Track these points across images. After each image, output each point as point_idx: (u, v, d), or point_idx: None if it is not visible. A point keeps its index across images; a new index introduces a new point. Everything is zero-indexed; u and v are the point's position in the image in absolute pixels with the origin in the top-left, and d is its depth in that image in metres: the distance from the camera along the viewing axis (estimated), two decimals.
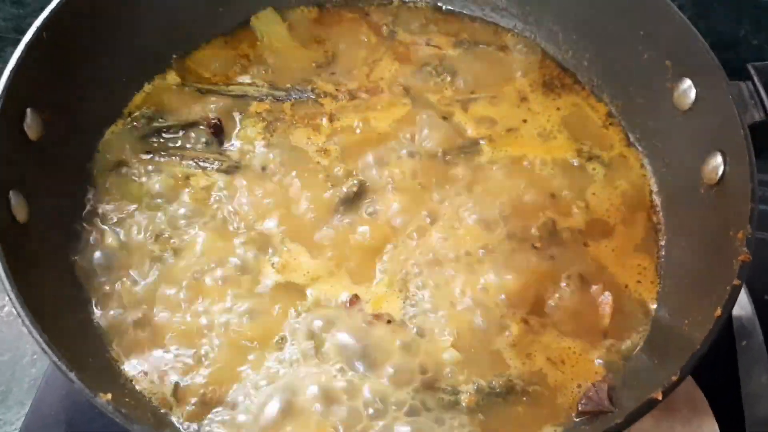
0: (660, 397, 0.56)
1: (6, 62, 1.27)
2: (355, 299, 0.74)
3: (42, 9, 1.25)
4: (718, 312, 0.61)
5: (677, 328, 0.67)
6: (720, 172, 0.72)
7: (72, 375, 0.55)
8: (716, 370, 0.88)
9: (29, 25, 1.27)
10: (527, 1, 0.94)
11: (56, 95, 0.77)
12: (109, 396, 0.55)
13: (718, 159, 0.72)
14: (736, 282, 0.62)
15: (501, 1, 0.95)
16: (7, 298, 1.02)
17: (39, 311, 0.60)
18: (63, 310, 0.69)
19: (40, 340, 0.57)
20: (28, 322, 0.58)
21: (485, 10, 0.96)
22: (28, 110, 0.72)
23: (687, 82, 0.77)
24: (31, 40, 0.73)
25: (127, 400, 0.65)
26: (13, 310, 1.00)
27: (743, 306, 0.95)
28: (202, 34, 0.92)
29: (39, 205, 0.71)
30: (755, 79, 0.73)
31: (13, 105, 0.70)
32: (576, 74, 0.91)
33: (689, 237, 0.76)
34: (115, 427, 0.83)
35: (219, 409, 0.68)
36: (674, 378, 0.57)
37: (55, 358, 0.56)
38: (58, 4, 0.76)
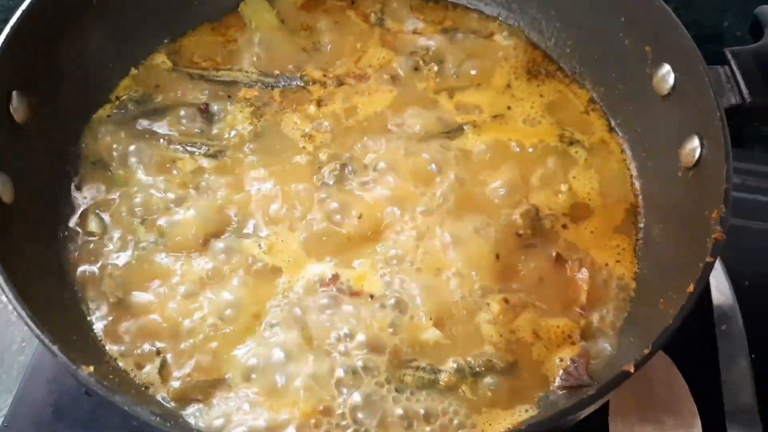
0: (632, 370, 0.57)
1: None
2: (335, 278, 0.75)
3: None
4: (691, 288, 0.62)
5: (653, 306, 0.68)
6: (697, 154, 0.73)
7: (55, 348, 0.56)
8: (697, 356, 0.90)
9: None
10: None
11: (42, 79, 0.77)
12: (92, 368, 0.56)
13: (696, 142, 0.74)
14: (709, 259, 0.63)
15: None
16: None
17: (24, 289, 0.61)
18: (48, 289, 0.70)
19: (23, 313, 0.58)
20: (11, 296, 0.58)
21: None
22: (14, 93, 0.73)
23: (666, 68, 0.79)
24: (16, 23, 0.74)
25: (111, 377, 0.66)
26: (2, 298, 1.02)
27: (723, 291, 0.96)
28: (190, 20, 0.93)
29: (25, 187, 0.72)
30: (732, 63, 0.74)
31: None
32: (559, 61, 0.93)
33: (667, 219, 0.78)
34: (102, 411, 0.86)
35: (205, 387, 0.69)
36: (646, 351, 0.58)
37: (37, 332, 0.57)
38: None
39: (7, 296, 0.59)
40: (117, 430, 0.84)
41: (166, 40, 0.91)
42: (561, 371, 0.71)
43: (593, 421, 0.83)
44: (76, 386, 0.87)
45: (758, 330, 0.92)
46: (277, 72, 0.90)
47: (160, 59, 0.90)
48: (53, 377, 0.88)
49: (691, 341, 0.92)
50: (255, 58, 0.90)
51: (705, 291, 0.94)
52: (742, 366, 0.90)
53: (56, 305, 0.70)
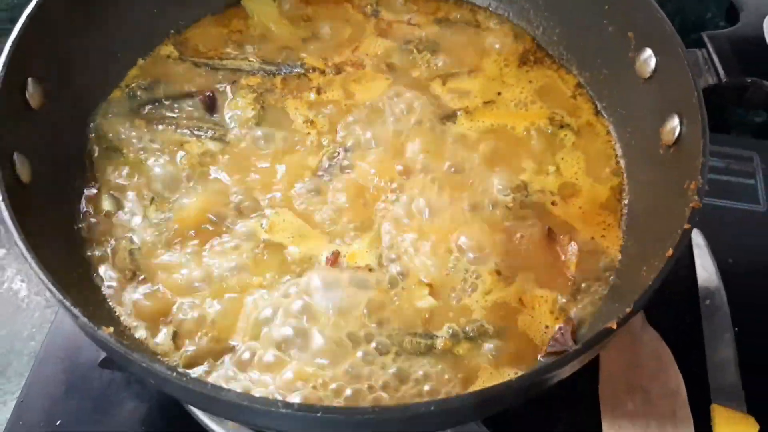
0: (615, 326, 0.61)
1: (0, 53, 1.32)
2: (335, 255, 0.79)
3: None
4: (670, 252, 0.66)
5: (636, 275, 0.72)
6: (677, 132, 0.77)
7: (76, 311, 0.60)
8: (683, 330, 0.95)
9: None
10: None
11: (55, 67, 0.81)
12: (111, 329, 0.60)
13: (676, 121, 0.78)
14: (687, 226, 0.67)
15: None
16: (6, 274, 1.08)
17: (45, 264, 0.64)
18: (65, 264, 0.74)
19: (45, 279, 0.61)
20: (36, 267, 0.62)
21: None
22: (30, 80, 0.77)
23: (648, 52, 0.83)
24: (31, 13, 0.78)
25: (127, 344, 0.70)
26: (13, 285, 1.06)
27: (707, 269, 1.01)
28: (195, 13, 0.97)
29: (41, 168, 0.76)
30: (709, 46, 0.79)
31: (16, 75, 0.75)
32: (547, 49, 0.97)
33: (649, 194, 0.82)
34: (113, 387, 0.89)
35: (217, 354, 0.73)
36: (627, 310, 0.62)
37: (59, 296, 0.60)
38: None
39: (32, 267, 0.62)
40: (127, 404, 0.89)
41: (171, 31, 0.96)
42: (549, 339, 0.75)
43: (583, 390, 0.88)
44: (89, 364, 0.91)
45: (741, 304, 0.96)
46: (278, 60, 0.94)
47: (167, 50, 0.94)
48: (66, 355, 0.92)
49: (678, 317, 0.96)
50: (257, 48, 0.94)
51: (690, 269, 0.99)
52: (726, 338, 0.94)
53: (73, 279, 0.73)
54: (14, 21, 1.33)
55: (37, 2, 0.78)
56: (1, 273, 1.08)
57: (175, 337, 0.74)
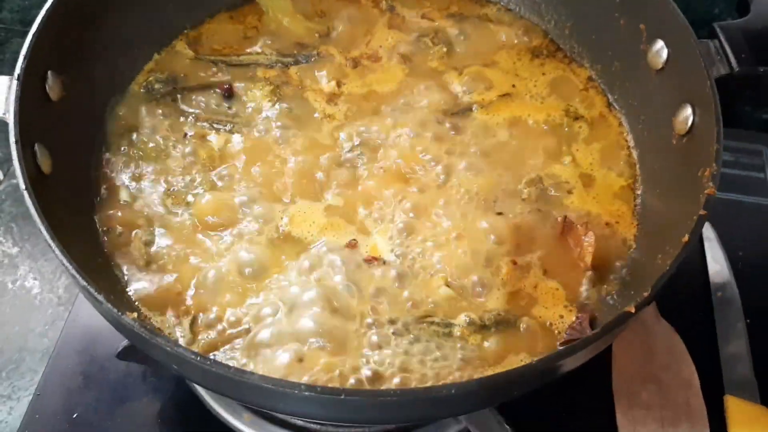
0: (633, 311, 0.62)
1: (13, 53, 1.33)
2: (353, 243, 0.80)
3: (46, 1, 1.32)
4: (686, 238, 0.66)
5: (652, 262, 0.72)
6: (690, 122, 0.78)
7: (100, 297, 0.60)
8: (696, 322, 0.95)
9: (35, 17, 1.33)
10: None
11: (74, 60, 0.82)
12: (135, 315, 0.61)
13: (688, 110, 0.79)
14: (702, 212, 0.68)
15: None
16: (19, 272, 1.09)
17: (68, 250, 0.65)
18: (86, 253, 0.74)
19: (69, 266, 0.62)
20: (60, 255, 0.62)
21: None
22: (49, 72, 0.78)
23: (659, 43, 0.84)
24: (51, 7, 0.79)
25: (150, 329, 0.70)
26: (26, 283, 1.07)
27: (718, 261, 1.01)
28: (209, 8, 0.98)
29: (62, 159, 0.77)
30: (720, 36, 0.80)
31: (36, 67, 0.76)
32: (558, 42, 0.98)
33: (663, 183, 0.83)
34: (129, 378, 0.90)
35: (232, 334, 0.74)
36: (646, 294, 0.63)
37: (84, 282, 0.61)
38: None
39: (57, 256, 0.63)
40: (144, 396, 0.89)
41: (186, 28, 0.97)
42: (566, 327, 0.75)
43: (598, 381, 0.88)
44: (105, 356, 0.92)
45: (752, 296, 0.97)
46: (295, 52, 0.95)
47: (182, 47, 0.95)
48: (82, 348, 0.93)
49: (690, 310, 0.97)
50: (273, 43, 0.95)
51: (702, 263, 1.00)
52: (738, 329, 0.95)
53: (93, 268, 0.74)
54: (24, 22, 1.35)
55: None
56: (14, 271, 1.08)
57: (193, 324, 0.74)
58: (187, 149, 0.86)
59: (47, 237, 0.64)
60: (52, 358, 0.93)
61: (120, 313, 0.60)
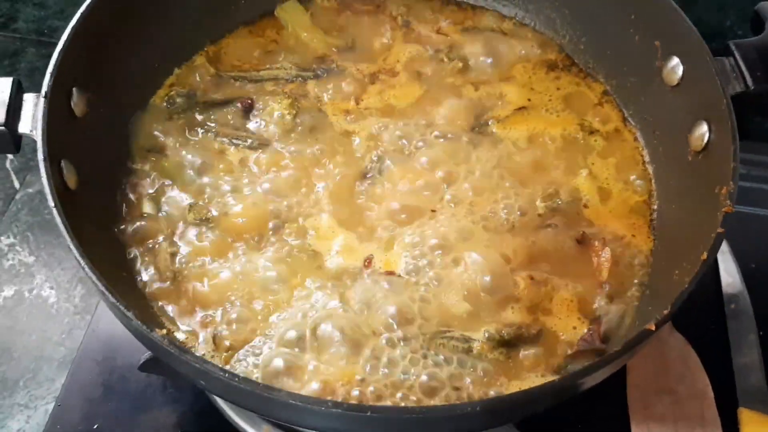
0: (653, 328, 0.62)
1: (29, 62, 1.35)
2: (369, 261, 0.81)
3: (62, 11, 1.34)
4: (704, 256, 0.67)
5: (668, 278, 0.73)
6: (706, 139, 0.79)
7: (130, 314, 0.62)
8: (709, 335, 0.96)
9: (50, 27, 1.35)
10: None
11: (97, 76, 0.83)
12: (164, 331, 0.62)
13: (704, 127, 0.79)
14: (720, 230, 0.69)
15: None
16: (35, 281, 1.10)
17: (96, 266, 0.66)
18: (111, 267, 0.75)
19: (98, 283, 0.63)
20: (90, 272, 0.63)
21: (488, 0, 1.04)
22: (74, 89, 0.79)
23: (675, 60, 0.85)
24: (76, 24, 0.80)
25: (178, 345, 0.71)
26: (43, 292, 1.08)
27: (731, 273, 1.02)
28: (228, 24, 0.99)
29: (86, 174, 0.78)
30: (736, 54, 0.80)
31: (62, 84, 0.77)
32: (573, 57, 0.99)
33: (679, 199, 0.84)
34: (150, 389, 0.91)
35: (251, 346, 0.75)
36: (665, 311, 0.63)
37: (113, 300, 0.62)
38: None
39: (86, 272, 0.64)
40: (164, 407, 0.91)
41: (207, 43, 0.98)
42: (579, 339, 0.76)
43: (612, 391, 0.89)
44: (125, 366, 0.93)
45: (765, 308, 0.98)
46: (314, 66, 0.97)
47: (202, 61, 0.97)
48: (103, 358, 0.94)
49: (704, 322, 0.98)
50: (292, 57, 0.97)
51: (715, 275, 1.01)
52: (750, 341, 0.95)
53: (119, 282, 0.75)
54: (39, 32, 1.36)
55: (81, 14, 0.81)
56: (31, 280, 1.10)
57: (215, 338, 0.76)
58: (208, 163, 0.87)
59: (76, 254, 0.65)
60: (73, 368, 0.94)
61: (149, 330, 0.61)
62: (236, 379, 0.58)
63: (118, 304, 0.62)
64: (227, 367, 0.72)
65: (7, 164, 1.22)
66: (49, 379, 1.01)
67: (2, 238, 1.14)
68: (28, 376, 1.01)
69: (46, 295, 1.09)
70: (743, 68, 0.79)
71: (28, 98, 0.75)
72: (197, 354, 0.74)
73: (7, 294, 1.08)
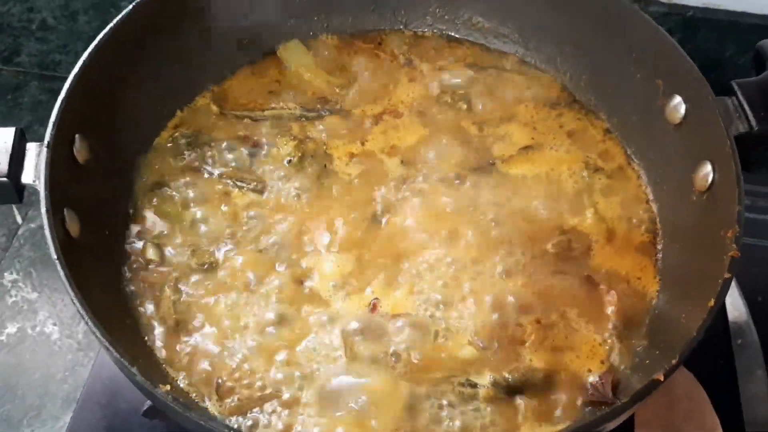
0: (662, 378, 0.62)
1: (31, 96, 1.35)
2: (376, 304, 0.80)
3: (65, 46, 1.34)
4: (711, 302, 0.67)
5: (675, 322, 0.73)
6: (710, 179, 0.79)
7: (134, 369, 0.61)
8: (716, 370, 0.95)
9: (53, 61, 1.36)
10: (527, 30, 1.02)
11: (100, 122, 0.83)
12: (168, 387, 0.61)
13: (708, 168, 0.79)
14: (727, 275, 0.68)
15: (503, 30, 1.03)
16: (38, 318, 1.10)
17: (98, 316, 0.66)
18: (114, 316, 0.75)
19: (103, 339, 0.63)
20: (92, 325, 0.63)
21: (488, 38, 1.04)
22: (77, 137, 0.79)
23: (677, 99, 0.85)
24: (77, 74, 0.80)
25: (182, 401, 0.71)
26: (45, 329, 1.08)
27: (737, 307, 1.02)
28: (231, 66, 0.99)
29: (89, 222, 0.78)
30: (738, 94, 0.80)
31: (65, 133, 0.77)
32: (575, 94, 0.99)
33: (684, 239, 0.83)
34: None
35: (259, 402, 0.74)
36: (674, 361, 0.63)
37: (117, 356, 0.62)
38: (100, 41, 0.83)
39: (88, 325, 0.64)
40: None
41: (210, 85, 0.98)
42: (588, 386, 0.76)
43: (619, 429, 0.88)
44: (128, 410, 0.92)
45: None
46: (318, 106, 0.96)
47: (205, 102, 0.97)
48: (106, 402, 0.94)
49: (711, 357, 0.97)
50: (296, 97, 0.97)
51: (721, 308, 1.00)
52: (758, 376, 0.95)
53: (123, 331, 0.75)
54: (42, 66, 1.36)
55: (83, 62, 0.81)
56: (33, 317, 1.10)
57: (219, 388, 0.75)
58: (212, 207, 0.87)
59: (80, 309, 0.64)
60: (76, 411, 0.94)
61: (154, 386, 0.60)
62: None
63: (122, 359, 0.62)
64: (233, 419, 0.71)
65: None
66: (53, 417, 1.01)
67: (5, 274, 1.14)
68: (32, 413, 1.01)
69: (49, 331, 1.09)
70: (746, 108, 0.79)
71: (31, 147, 0.75)
72: (202, 405, 0.74)
73: (11, 331, 1.08)
